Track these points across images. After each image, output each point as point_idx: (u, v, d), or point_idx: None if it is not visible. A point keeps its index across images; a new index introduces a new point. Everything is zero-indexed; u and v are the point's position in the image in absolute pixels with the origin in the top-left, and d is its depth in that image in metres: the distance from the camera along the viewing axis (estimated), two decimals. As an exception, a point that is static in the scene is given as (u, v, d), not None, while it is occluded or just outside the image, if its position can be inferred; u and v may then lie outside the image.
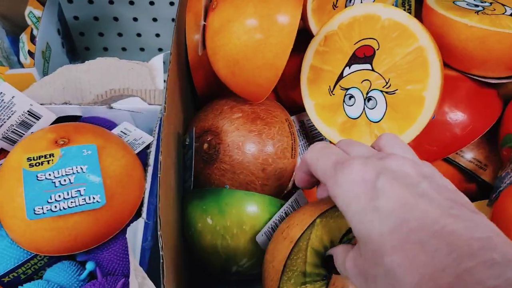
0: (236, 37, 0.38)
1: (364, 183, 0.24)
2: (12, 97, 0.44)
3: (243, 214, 0.39)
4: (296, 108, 0.50)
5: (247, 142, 0.42)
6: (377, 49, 0.40)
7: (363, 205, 0.23)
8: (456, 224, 0.20)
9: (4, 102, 0.43)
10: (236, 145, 0.42)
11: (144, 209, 0.42)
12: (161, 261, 0.27)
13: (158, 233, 0.28)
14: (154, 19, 0.74)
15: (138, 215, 0.43)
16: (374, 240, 0.22)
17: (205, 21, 0.41)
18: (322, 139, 0.50)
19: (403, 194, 0.22)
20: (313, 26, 0.43)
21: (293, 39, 0.37)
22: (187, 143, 0.45)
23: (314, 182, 0.32)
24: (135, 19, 0.74)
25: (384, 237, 0.22)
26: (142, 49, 0.79)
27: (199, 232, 0.41)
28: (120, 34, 0.77)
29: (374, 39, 0.40)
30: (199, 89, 0.50)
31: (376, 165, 0.24)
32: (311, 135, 0.50)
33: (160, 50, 0.79)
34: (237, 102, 0.45)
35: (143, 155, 0.49)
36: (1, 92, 0.43)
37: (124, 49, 0.79)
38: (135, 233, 0.40)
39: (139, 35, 0.77)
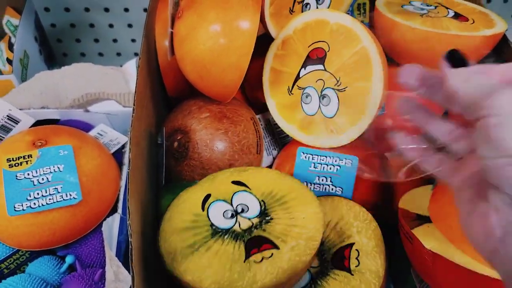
0: (201, 43, 0.41)
1: None
2: (-9, 103, 0.46)
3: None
4: (262, 107, 0.54)
5: (214, 139, 0.46)
6: (328, 51, 0.43)
7: None
8: None
9: (-17, 108, 0.46)
10: (204, 142, 0.46)
11: (120, 205, 0.46)
12: (129, 247, 0.31)
13: (127, 222, 0.32)
14: (129, 25, 0.77)
15: (114, 211, 0.46)
16: None
17: (172, 28, 0.45)
18: (286, 136, 0.54)
19: None
20: (272, 30, 0.47)
21: (253, 41, 0.40)
22: (159, 142, 0.48)
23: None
24: (111, 26, 0.77)
25: None
26: (118, 54, 0.82)
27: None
28: (96, 40, 0.79)
29: (325, 41, 0.43)
30: (170, 91, 0.53)
31: None
32: (276, 132, 0.54)
33: (136, 54, 0.82)
34: (205, 103, 0.49)
35: (119, 155, 0.52)
36: (-19, 99, 0.46)
37: (101, 54, 0.82)
38: (111, 227, 0.44)
39: (115, 40, 0.79)
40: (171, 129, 0.48)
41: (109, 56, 0.82)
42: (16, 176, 0.40)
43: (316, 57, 0.44)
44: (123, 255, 0.44)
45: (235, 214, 0.39)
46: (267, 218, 0.38)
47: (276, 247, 0.35)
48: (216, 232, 0.38)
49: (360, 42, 0.41)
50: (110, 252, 0.39)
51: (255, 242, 0.36)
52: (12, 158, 0.41)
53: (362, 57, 0.41)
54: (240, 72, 0.42)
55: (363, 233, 0.39)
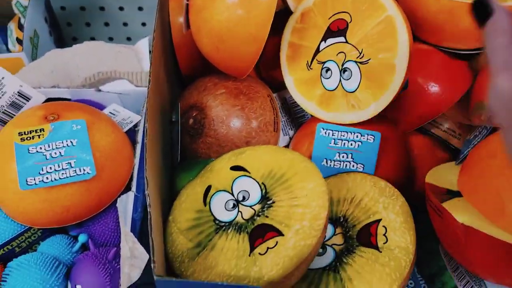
0: (218, 13, 0.39)
1: None
2: (2, 78, 0.45)
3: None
4: (278, 86, 0.52)
5: (230, 116, 0.44)
6: (350, 22, 0.42)
7: None
8: None
9: (-6, 84, 0.45)
10: (220, 119, 0.44)
11: (134, 183, 0.44)
12: (148, 217, 0.29)
13: (146, 192, 0.30)
14: (140, 8, 0.75)
15: (128, 189, 0.45)
16: None
17: (187, 0, 0.43)
18: (303, 116, 0.52)
19: None
20: (290, 3, 0.45)
21: (273, 11, 0.39)
22: (173, 119, 0.47)
23: None
24: (121, 9, 0.75)
25: None
26: (128, 38, 0.81)
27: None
28: (106, 24, 0.78)
29: (346, 12, 0.42)
30: (183, 69, 0.52)
31: None
32: (293, 111, 0.52)
33: (146, 38, 0.81)
34: (221, 79, 0.47)
35: (131, 134, 0.51)
36: (-9, 74, 0.45)
37: (111, 38, 0.81)
38: (126, 205, 0.42)
39: (125, 24, 0.78)
40: (186, 106, 0.47)
41: (119, 40, 0.81)
42: (28, 150, 0.39)
43: (337, 29, 0.42)
44: (138, 233, 0.42)
45: (236, 203, 0.38)
46: (268, 202, 0.37)
47: (280, 233, 0.34)
48: (220, 226, 0.37)
49: (384, 11, 0.40)
50: (126, 229, 0.37)
51: (259, 232, 0.35)
52: (24, 132, 0.40)
53: (386, 27, 0.40)
54: (259, 43, 0.40)
55: (390, 208, 0.38)
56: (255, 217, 0.36)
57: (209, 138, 0.45)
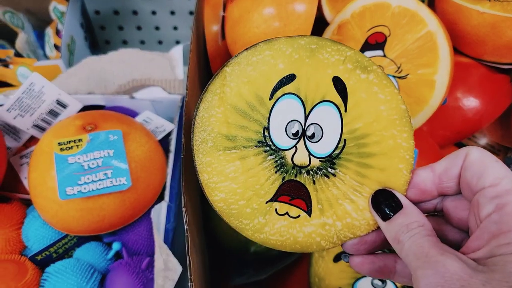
0: (255, 26, 0.39)
1: None
2: (42, 87, 0.46)
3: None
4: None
5: None
6: (388, 36, 0.41)
7: None
8: None
9: (34, 92, 0.46)
10: None
11: (167, 192, 0.45)
12: (186, 234, 0.29)
13: (183, 209, 0.30)
14: (172, 12, 0.76)
15: (160, 198, 0.45)
16: None
17: (224, 12, 0.43)
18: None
19: None
20: (327, 14, 0.45)
21: (311, 24, 0.38)
22: None
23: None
24: (154, 13, 0.76)
25: None
26: (160, 42, 0.82)
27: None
28: (139, 28, 0.79)
29: (385, 26, 0.41)
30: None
31: None
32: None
33: (177, 42, 0.81)
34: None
35: (164, 142, 0.52)
36: (32, 82, 0.46)
37: (142, 42, 0.82)
38: (159, 215, 0.43)
39: (157, 28, 0.79)
40: None
41: (151, 43, 0.82)
42: (67, 160, 0.40)
43: (375, 42, 0.42)
44: (170, 243, 0.43)
45: (300, 135, 0.27)
46: (330, 170, 0.27)
47: (309, 211, 0.27)
48: (265, 143, 0.28)
49: (425, 26, 0.39)
50: (161, 241, 0.38)
51: (293, 188, 0.27)
52: (63, 142, 0.40)
53: (427, 43, 0.39)
54: None
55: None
56: (303, 171, 0.27)
57: None
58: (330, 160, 0.27)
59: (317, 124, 0.27)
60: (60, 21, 0.64)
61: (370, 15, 0.42)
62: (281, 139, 0.27)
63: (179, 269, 0.37)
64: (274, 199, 0.27)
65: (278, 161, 0.28)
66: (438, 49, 0.38)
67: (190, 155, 0.27)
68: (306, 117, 0.27)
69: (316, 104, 0.27)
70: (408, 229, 0.23)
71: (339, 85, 0.26)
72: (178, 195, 0.47)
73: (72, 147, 0.40)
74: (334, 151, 0.27)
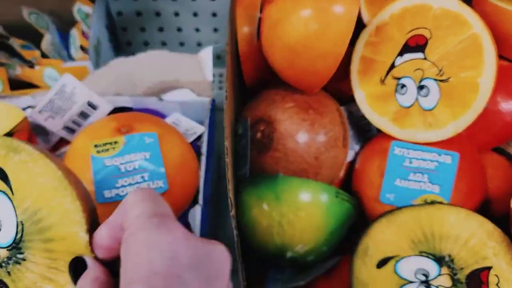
0: (295, 29, 0.39)
1: None
2: (74, 88, 0.46)
3: (299, 201, 0.40)
4: (343, 99, 0.51)
5: (300, 130, 0.43)
6: (430, 38, 0.40)
7: None
8: None
9: (66, 93, 0.46)
10: (290, 133, 0.44)
11: (200, 196, 0.44)
12: (236, 239, 0.29)
13: (231, 213, 0.30)
14: (195, 14, 0.75)
15: (194, 202, 0.45)
16: None
17: (261, 13, 0.43)
18: (370, 130, 0.51)
19: None
20: (364, 15, 0.44)
21: (353, 26, 0.38)
22: (239, 132, 0.46)
23: None
24: (176, 14, 0.75)
25: None
26: (181, 44, 0.81)
27: (255, 218, 0.42)
28: (161, 29, 0.78)
29: (426, 28, 0.40)
30: (248, 80, 0.51)
31: None
32: (359, 125, 0.51)
33: (199, 45, 0.81)
34: (288, 92, 0.46)
35: (194, 146, 0.51)
36: (64, 84, 0.45)
37: (164, 43, 0.81)
38: (194, 219, 0.42)
39: (179, 29, 0.78)
40: (253, 119, 0.46)
41: (172, 45, 0.81)
42: (104, 163, 0.39)
43: (415, 44, 0.41)
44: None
45: None
46: (19, 256, 0.26)
47: None
48: None
49: (470, 29, 0.38)
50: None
51: None
52: (99, 144, 0.40)
53: (471, 45, 0.38)
54: (335, 59, 0.39)
55: (501, 256, 0.35)
56: None
57: (277, 153, 0.44)
58: (16, 246, 0.25)
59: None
60: (85, 22, 0.64)
61: (410, 17, 0.41)
62: None
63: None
64: None
65: None
66: (483, 51, 0.37)
67: (231, 157, 0.27)
68: None
69: None
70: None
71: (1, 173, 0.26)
72: (211, 199, 0.46)
73: (108, 149, 0.40)
74: (16, 236, 0.25)
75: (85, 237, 0.25)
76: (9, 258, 0.26)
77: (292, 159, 0.44)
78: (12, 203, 0.26)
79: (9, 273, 0.26)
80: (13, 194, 0.26)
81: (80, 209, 0.25)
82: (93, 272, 0.24)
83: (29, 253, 0.25)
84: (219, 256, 0.24)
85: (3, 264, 0.26)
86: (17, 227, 0.25)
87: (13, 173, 0.26)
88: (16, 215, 0.26)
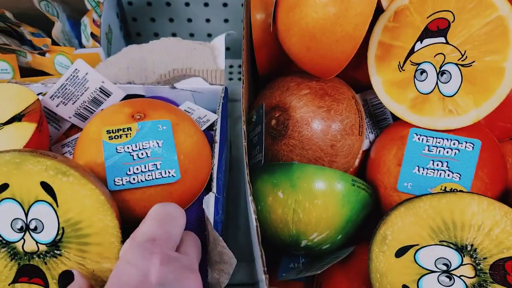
0: (313, 11, 0.38)
1: None
2: (86, 74, 0.45)
3: (315, 188, 0.39)
4: (358, 87, 0.50)
5: (316, 118, 0.43)
6: (452, 22, 0.39)
7: None
8: None
9: (78, 79, 0.45)
10: (306, 120, 0.43)
11: (214, 184, 0.43)
12: (255, 224, 0.28)
13: (249, 198, 0.29)
14: (206, 4, 0.74)
15: (207, 190, 0.44)
16: None
17: (276, -4, 0.42)
18: (385, 119, 0.50)
19: None
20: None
21: (373, 9, 0.36)
22: (253, 119, 0.45)
23: None
24: (187, 4, 0.75)
25: None
26: (191, 35, 0.80)
27: (269, 206, 0.41)
28: (171, 20, 0.78)
29: (449, 11, 0.39)
30: (261, 68, 0.50)
31: None
32: (374, 114, 0.50)
33: (209, 35, 0.80)
34: (304, 79, 0.45)
35: (207, 134, 0.50)
36: (76, 69, 0.44)
37: (174, 34, 0.80)
38: (208, 206, 0.41)
39: (189, 20, 0.77)
40: (268, 106, 0.45)
41: (182, 36, 0.80)
42: (117, 149, 0.38)
43: (437, 28, 0.40)
44: (220, 235, 0.41)
45: (25, 229, 0.33)
46: (56, 252, 0.33)
47: (46, 286, 0.33)
48: None
49: (495, 11, 0.37)
50: (215, 232, 0.36)
51: (29, 271, 0.33)
52: (112, 130, 0.39)
53: (497, 28, 0.37)
54: (355, 42, 0.38)
55: None
56: (35, 256, 0.33)
57: (292, 140, 0.43)
58: (55, 244, 0.33)
59: (37, 219, 0.33)
60: (96, 10, 0.63)
61: (432, 0, 0.40)
62: (9, 234, 0.33)
63: (234, 262, 0.36)
64: (15, 281, 0.33)
65: (11, 251, 0.33)
66: (510, 34, 0.36)
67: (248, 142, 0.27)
68: (26, 215, 0.33)
69: (32, 204, 0.32)
70: None
71: (47, 187, 0.32)
72: (224, 186, 0.45)
73: (121, 135, 0.39)
74: (56, 237, 0.33)
75: (119, 246, 0.33)
76: (47, 252, 0.33)
77: (307, 147, 0.43)
78: (56, 212, 0.33)
79: (45, 263, 0.33)
80: (57, 206, 0.33)
81: (117, 226, 0.33)
82: (79, 283, 0.32)
83: (65, 251, 0.33)
84: (190, 283, 0.29)
85: (41, 256, 0.33)
86: (57, 231, 0.33)
87: (60, 190, 0.33)
88: (59, 222, 0.33)
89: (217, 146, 0.46)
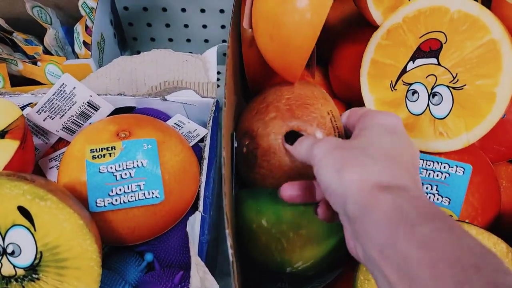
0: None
1: None
2: (73, 88, 0.44)
3: (298, 219, 0.38)
4: (347, 91, 0.49)
5: (282, 146, 0.41)
6: (445, 43, 0.38)
7: None
8: None
9: (65, 93, 0.44)
10: (273, 149, 0.41)
11: (201, 202, 0.42)
12: (230, 260, 0.27)
13: (226, 231, 0.28)
14: (202, 10, 0.73)
15: (193, 208, 0.43)
16: None
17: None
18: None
19: None
20: (376, 17, 0.42)
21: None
22: (236, 145, 0.44)
23: None
24: (183, 10, 0.74)
25: None
26: (188, 40, 0.79)
27: (254, 232, 0.40)
28: (167, 25, 0.77)
29: (441, 32, 0.38)
30: (251, 83, 0.49)
31: None
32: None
33: (206, 41, 0.79)
34: (276, 97, 0.43)
35: (196, 148, 0.49)
36: (63, 83, 0.44)
37: (170, 39, 0.79)
38: (193, 227, 0.41)
39: (186, 26, 0.77)
40: (240, 131, 0.44)
41: (179, 41, 0.79)
42: (99, 169, 0.38)
43: (429, 49, 0.39)
44: (205, 257, 0.41)
45: (2, 253, 0.33)
46: (33, 275, 0.33)
47: None
48: None
49: (487, 34, 0.35)
50: (197, 258, 0.36)
51: None
52: (96, 149, 0.38)
53: (489, 51, 0.35)
54: (315, 29, 0.36)
55: None
56: (12, 280, 0.33)
57: (262, 170, 0.42)
58: (33, 268, 0.33)
59: (14, 243, 0.33)
60: (89, 17, 0.62)
61: (425, 20, 0.39)
62: None
63: (216, 287, 0.35)
64: None
65: None
66: (501, 59, 0.35)
67: (229, 168, 0.25)
68: (3, 239, 0.33)
69: (9, 228, 0.32)
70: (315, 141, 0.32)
71: (24, 212, 0.32)
72: (212, 205, 0.45)
73: (104, 155, 0.38)
74: (34, 261, 0.33)
75: (99, 270, 0.33)
76: (25, 276, 0.33)
77: (277, 176, 0.41)
78: (34, 236, 0.32)
79: (23, 287, 0.33)
80: (35, 230, 0.32)
81: (97, 251, 0.33)
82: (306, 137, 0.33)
83: (43, 275, 0.33)
84: None
85: (19, 280, 0.33)
86: (36, 255, 0.32)
87: (38, 214, 0.32)
88: (37, 246, 0.32)
89: (205, 162, 0.45)
